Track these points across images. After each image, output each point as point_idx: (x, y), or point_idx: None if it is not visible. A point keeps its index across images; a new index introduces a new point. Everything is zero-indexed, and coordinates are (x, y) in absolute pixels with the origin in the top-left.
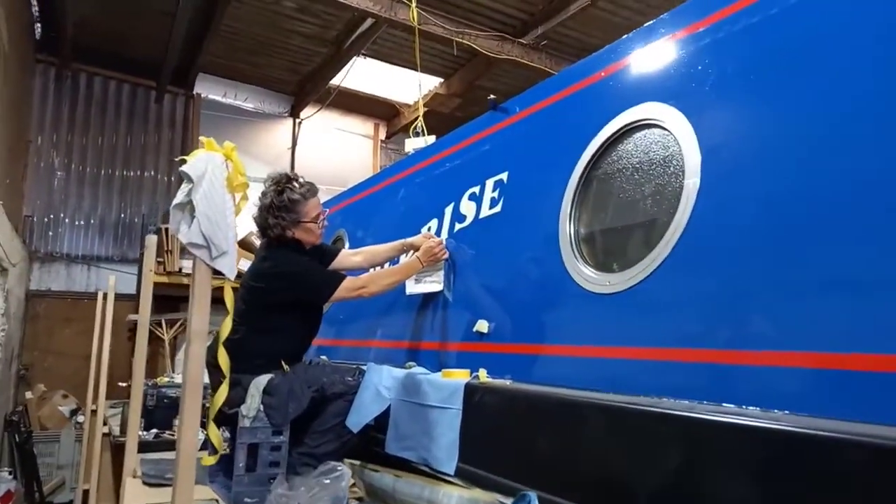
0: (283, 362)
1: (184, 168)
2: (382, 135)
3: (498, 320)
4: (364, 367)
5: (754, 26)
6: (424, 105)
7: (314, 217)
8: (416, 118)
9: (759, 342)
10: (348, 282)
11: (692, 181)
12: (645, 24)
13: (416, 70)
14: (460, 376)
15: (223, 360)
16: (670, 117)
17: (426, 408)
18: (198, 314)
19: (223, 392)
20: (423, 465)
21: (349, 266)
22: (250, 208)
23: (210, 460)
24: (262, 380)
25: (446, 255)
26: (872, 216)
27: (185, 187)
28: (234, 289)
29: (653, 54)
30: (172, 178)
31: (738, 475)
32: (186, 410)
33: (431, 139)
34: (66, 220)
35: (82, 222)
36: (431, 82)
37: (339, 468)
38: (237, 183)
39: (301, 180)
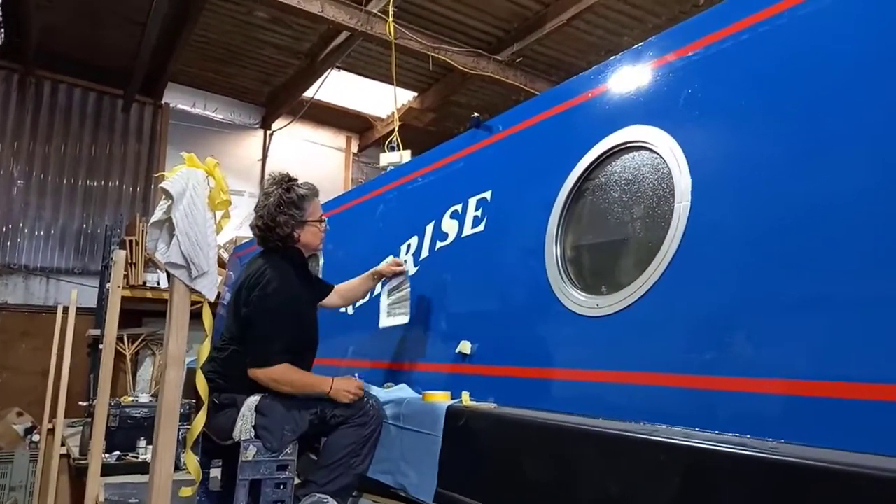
0: None
1: (163, 184)
2: (355, 148)
3: (481, 341)
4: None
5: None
6: (398, 119)
7: (319, 217)
8: (390, 132)
9: (751, 368)
10: (276, 367)
11: (682, 204)
12: (631, 47)
13: (391, 84)
14: (441, 399)
15: (201, 385)
16: (660, 140)
17: (404, 430)
18: (175, 337)
19: (202, 417)
20: (399, 491)
21: (331, 305)
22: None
23: (187, 492)
24: (254, 398)
25: (352, 398)
26: (870, 238)
27: (163, 204)
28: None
29: (643, 76)
30: (138, 189)
31: None
32: (161, 440)
33: (407, 154)
34: (26, 231)
35: (42, 233)
36: (406, 96)
37: (325, 500)
38: (219, 200)
39: (302, 181)
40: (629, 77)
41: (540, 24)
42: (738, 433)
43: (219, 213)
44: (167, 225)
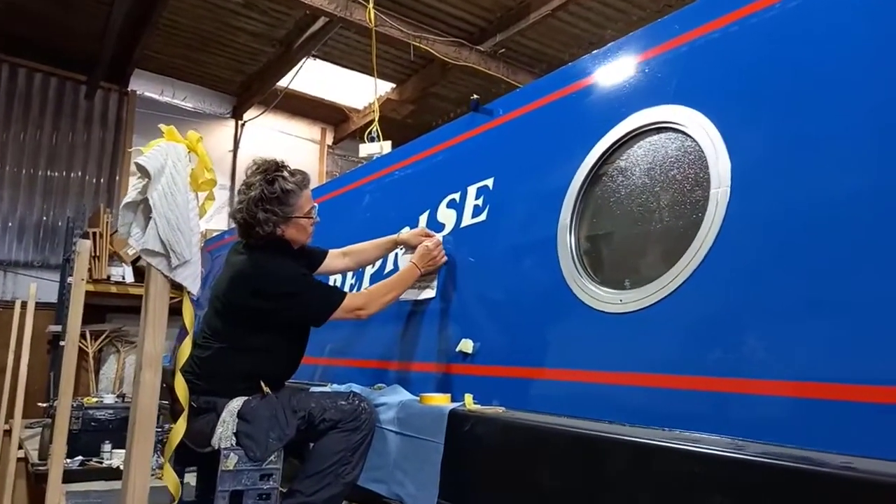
0: (262, 384)
1: (139, 160)
2: (329, 140)
3: (484, 339)
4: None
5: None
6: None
7: (307, 211)
8: (366, 124)
9: (791, 371)
10: (348, 300)
11: (721, 190)
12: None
13: (369, 74)
14: (441, 401)
15: (181, 389)
16: (692, 121)
17: (401, 436)
18: (152, 336)
19: (181, 425)
20: (394, 501)
21: (336, 269)
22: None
23: None
24: (236, 403)
25: (445, 259)
26: None
27: (137, 183)
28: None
29: (669, 51)
30: (102, 180)
31: None
32: (136, 451)
33: (387, 144)
34: None
35: None
36: (383, 87)
37: None
38: (203, 179)
39: (291, 169)
40: (653, 53)
41: (523, 14)
42: (783, 443)
43: (202, 195)
44: (142, 207)
